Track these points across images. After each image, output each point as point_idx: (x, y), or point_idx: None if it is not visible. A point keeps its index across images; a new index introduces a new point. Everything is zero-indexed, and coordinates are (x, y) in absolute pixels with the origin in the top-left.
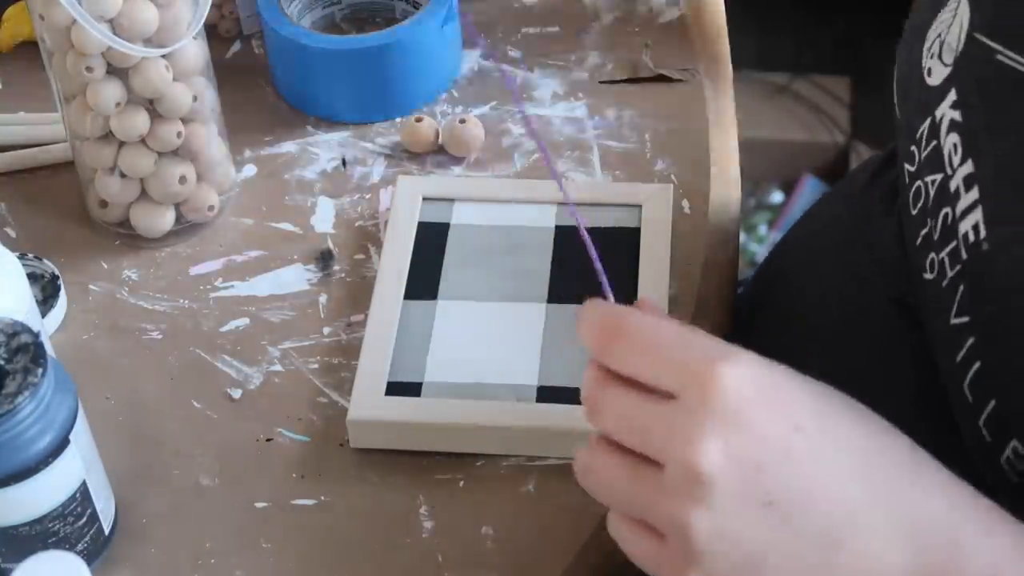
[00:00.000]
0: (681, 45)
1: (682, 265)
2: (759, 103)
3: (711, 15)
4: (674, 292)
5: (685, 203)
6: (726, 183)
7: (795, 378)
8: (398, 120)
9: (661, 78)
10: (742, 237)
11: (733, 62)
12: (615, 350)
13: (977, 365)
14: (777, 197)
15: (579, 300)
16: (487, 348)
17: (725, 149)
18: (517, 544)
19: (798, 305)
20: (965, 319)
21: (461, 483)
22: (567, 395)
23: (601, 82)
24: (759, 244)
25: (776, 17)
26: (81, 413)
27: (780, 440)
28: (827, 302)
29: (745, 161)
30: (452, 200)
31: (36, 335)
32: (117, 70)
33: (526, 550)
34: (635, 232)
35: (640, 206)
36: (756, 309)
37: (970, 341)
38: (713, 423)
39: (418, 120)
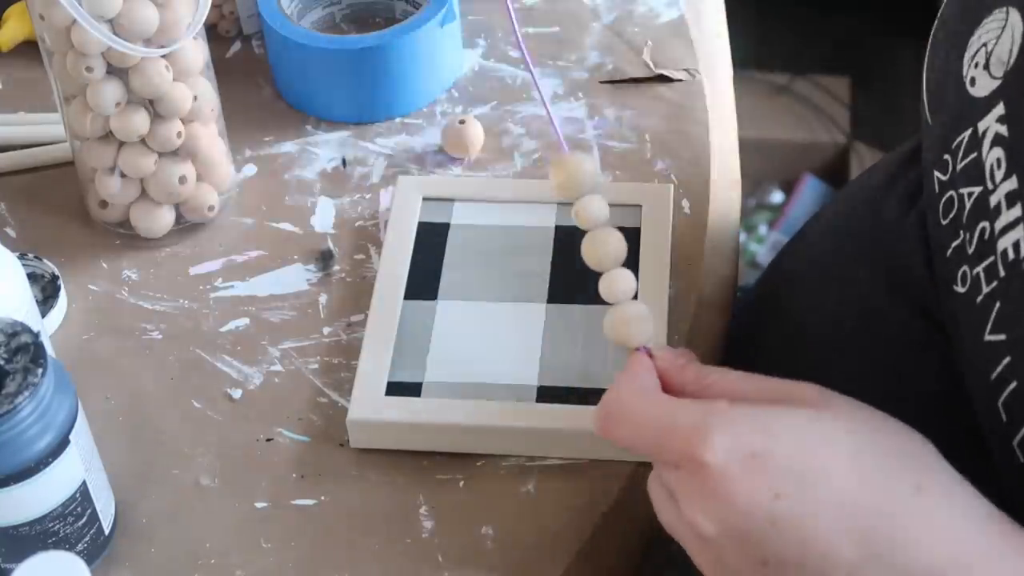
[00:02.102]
0: (681, 45)
1: (682, 265)
2: (759, 103)
3: (711, 15)
4: (674, 292)
5: (685, 203)
6: (726, 183)
7: (777, 435)
8: (397, 119)
9: (661, 78)
10: (742, 237)
11: (733, 62)
12: (614, 437)
13: (1013, 385)
14: (777, 197)
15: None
16: (487, 348)
17: (725, 149)
18: (517, 544)
19: (812, 310)
20: (1001, 337)
21: (461, 483)
22: (567, 395)
23: (601, 82)
24: (759, 244)
25: (776, 17)
26: (81, 413)
27: (762, 510)
28: (845, 307)
29: (745, 161)
30: (452, 200)
31: (36, 335)
32: (117, 70)
33: (526, 550)
34: (635, 232)
35: (640, 206)
36: (765, 313)
37: (1006, 360)
38: (703, 501)
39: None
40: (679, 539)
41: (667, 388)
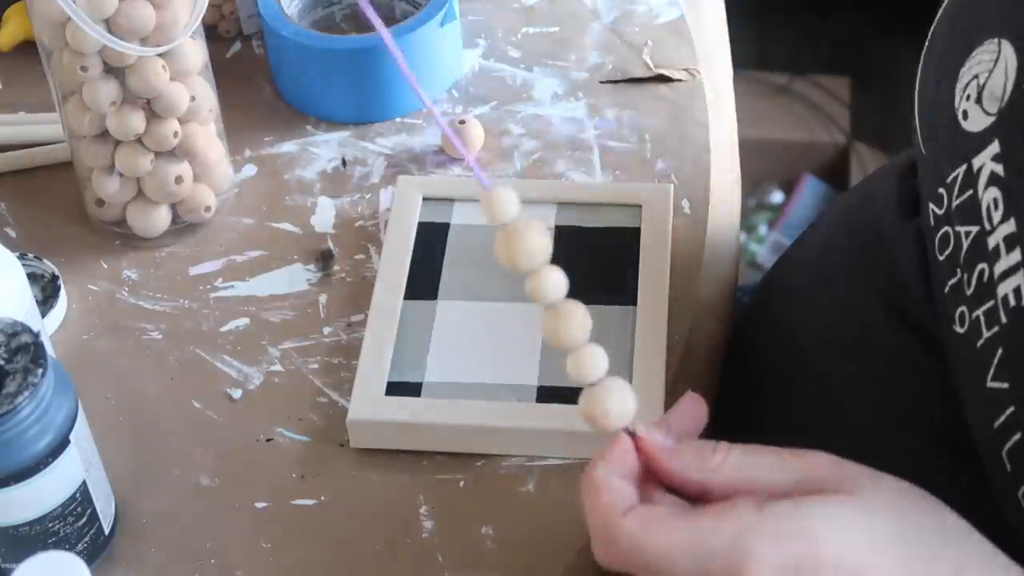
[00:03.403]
0: (681, 45)
1: (682, 265)
2: (759, 103)
3: (711, 15)
4: (674, 292)
5: (685, 203)
6: (726, 183)
7: (818, 539)
8: (397, 119)
9: (661, 78)
10: (742, 237)
11: (733, 62)
12: (635, 572)
13: (1018, 436)
14: (777, 197)
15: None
16: (487, 348)
17: (725, 149)
18: (517, 544)
19: (808, 322)
20: (1004, 385)
21: (461, 483)
22: (567, 395)
23: (601, 82)
24: (759, 244)
25: (776, 17)
26: (81, 413)
27: None
28: (840, 321)
29: (745, 161)
30: (452, 200)
31: (36, 335)
32: (114, 69)
33: (526, 550)
34: (635, 232)
35: (640, 206)
36: (761, 324)
37: (1010, 410)
38: None
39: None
40: None
41: (659, 473)
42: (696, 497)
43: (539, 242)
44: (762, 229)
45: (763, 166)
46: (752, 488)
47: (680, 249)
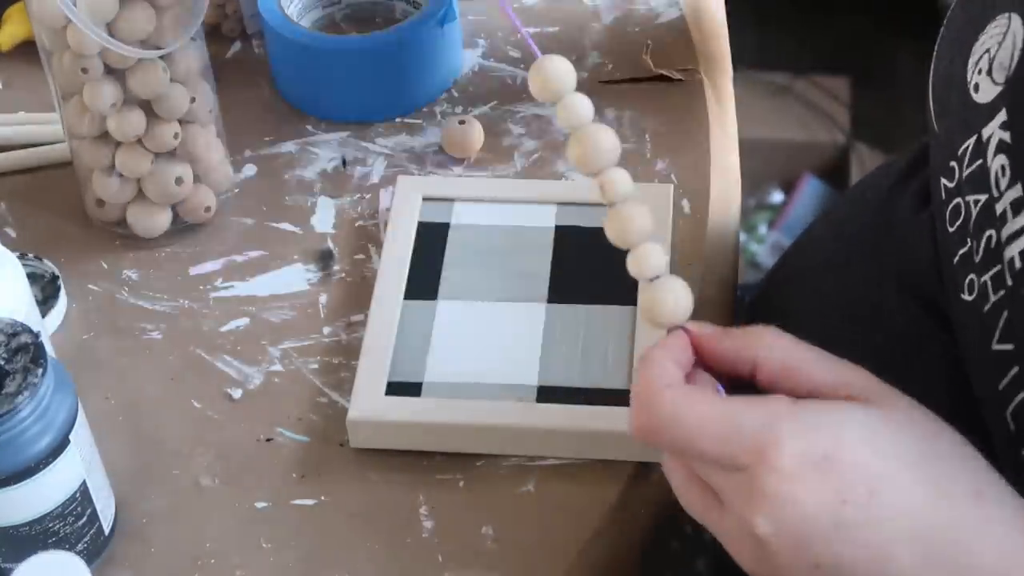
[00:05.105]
0: (681, 45)
1: (682, 265)
2: (759, 103)
3: (711, 15)
4: None
5: (685, 203)
6: (726, 183)
7: (846, 439)
8: (397, 120)
9: (661, 78)
10: (742, 237)
11: (733, 62)
12: (664, 442)
13: (1022, 396)
14: (777, 197)
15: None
16: (487, 348)
17: (725, 149)
18: (517, 544)
19: (820, 307)
20: (1009, 347)
21: (461, 483)
22: (567, 395)
23: (601, 82)
24: (759, 244)
25: (776, 17)
26: (81, 413)
27: (828, 515)
28: (853, 305)
29: (745, 161)
30: (452, 200)
31: (36, 335)
32: (115, 71)
33: (526, 550)
34: None
35: None
36: (771, 311)
37: (1014, 370)
38: (767, 502)
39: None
40: (719, 534)
41: (714, 359)
42: (748, 380)
43: (610, 143)
44: (762, 229)
45: (763, 166)
46: (798, 373)
47: (680, 249)
